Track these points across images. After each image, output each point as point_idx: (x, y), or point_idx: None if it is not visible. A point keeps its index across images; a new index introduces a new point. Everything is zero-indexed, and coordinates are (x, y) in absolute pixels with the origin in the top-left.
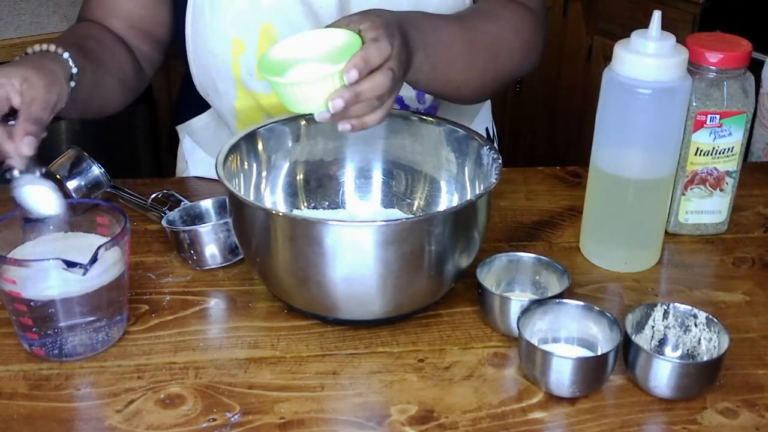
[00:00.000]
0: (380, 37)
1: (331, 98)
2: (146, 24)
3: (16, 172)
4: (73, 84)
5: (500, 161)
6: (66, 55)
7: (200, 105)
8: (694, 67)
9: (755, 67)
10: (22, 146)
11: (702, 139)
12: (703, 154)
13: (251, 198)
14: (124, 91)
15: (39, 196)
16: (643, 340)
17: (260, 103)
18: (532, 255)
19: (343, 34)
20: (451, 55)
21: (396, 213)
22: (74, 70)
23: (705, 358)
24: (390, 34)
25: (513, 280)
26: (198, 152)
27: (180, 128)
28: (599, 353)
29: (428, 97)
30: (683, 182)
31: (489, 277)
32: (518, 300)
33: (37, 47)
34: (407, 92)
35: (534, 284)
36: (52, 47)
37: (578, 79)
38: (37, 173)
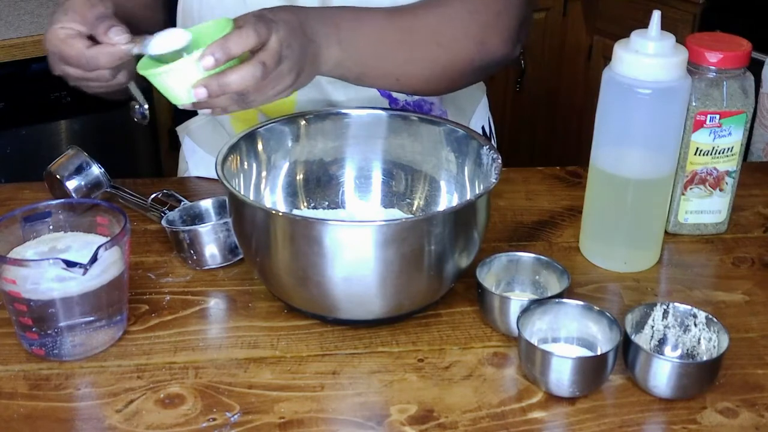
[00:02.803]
0: (247, 26)
1: (195, 86)
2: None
3: (135, 49)
4: None
5: (500, 161)
6: None
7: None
8: (693, 67)
9: (755, 67)
10: (112, 36)
11: (702, 138)
12: (703, 154)
13: (251, 198)
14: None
15: (169, 36)
16: (643, 339)
17: None
18: (532, 255)
19: (216, 24)
20: (380, 48)
21: (396, 213)
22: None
23: (704, 358)
24: (264, 25)
25: (513, 280)
26: (198, 152)
27: (179, 129)
28: (599, 353)
29: None
30: (683, 182)
31: (489, 276)
32: (518, 300)
33: None
34: None
35: (534, 284)
36: None
37: (578, 79)
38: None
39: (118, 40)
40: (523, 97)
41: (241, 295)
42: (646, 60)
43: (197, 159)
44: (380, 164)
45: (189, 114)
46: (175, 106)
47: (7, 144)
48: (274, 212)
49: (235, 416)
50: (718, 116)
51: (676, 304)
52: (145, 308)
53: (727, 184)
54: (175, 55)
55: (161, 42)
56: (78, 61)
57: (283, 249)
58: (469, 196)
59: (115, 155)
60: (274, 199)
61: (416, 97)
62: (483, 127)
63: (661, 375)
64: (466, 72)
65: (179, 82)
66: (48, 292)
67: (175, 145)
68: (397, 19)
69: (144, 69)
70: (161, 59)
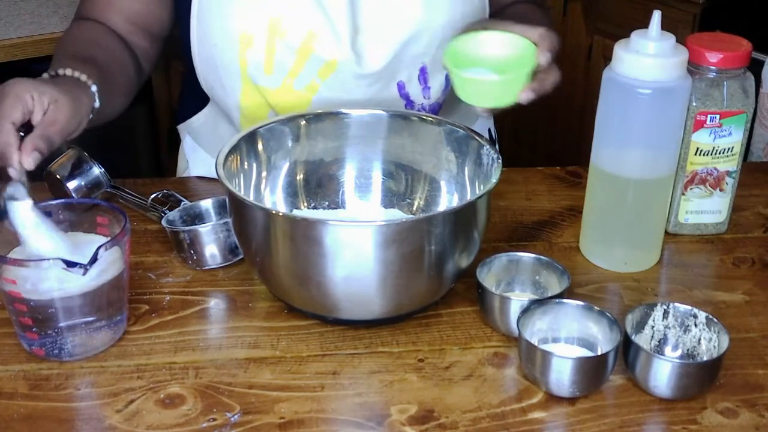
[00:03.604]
0: (548, 33)
1: (522, 91)
2: (146, 21)
3: (13, 176)
4: (91, 116)
5: (500, 161)
6: (94, 88)
7: (201, 104)
8: (694, 67)
9: (755, 67)
10: (28, 159)
11: (702, 139)
12: (703, 154)
13: (251, 198)
14: (127, 95)
15: (20, 211)
16: (643, 340)
17: (266, 99)
18: (532, 255)
19: (511, 38)
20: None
21: (396, 213)
22: (97, 105)
23: (705, 358)
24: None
25: (513, 280)
26: (198, 151)
27: (181, 128)
28: (599, 353)
29: (433, 93)
30: (683, 182)
31: (489, 277)
32: (518, 300)
33: (69, 71)
34: (413, 89)
35: (534, 284)
36: (83, 77)
37: (578, 79)
38: (26, 187)
39: (27, 165)
40: None
41: (241, 295)
42: (646, 60)
43: (197, 158)
44: (380, 164)
45: (191, 112)
46: (179, 104)
47: None
48: (274, 212)
49: (235, 416)
50: (718, 116)
51: (677, 304)
52: (145, 308)
53: (727, 184)
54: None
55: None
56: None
57: (283, 249)
58: (469, 197)
59: (115, 155)
60: (274, 199)
61: (432, 101)
62: (489, 130)
63: (662, 375)
64: None
65: (495, 91)
66: (48, 292)
67: (175, 144)
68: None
69: (455, 66)
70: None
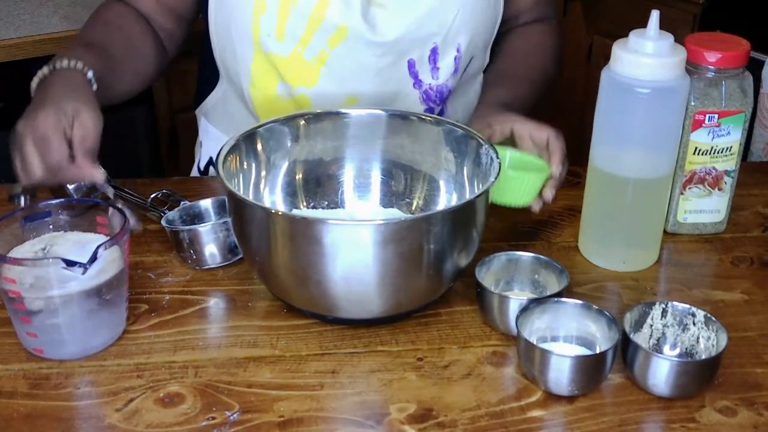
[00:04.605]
0: (555, 134)
1: (544, 192)
2: (173, 1)
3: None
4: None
5: (499, 161)
6: (90, 74)
7: (215, 86)
8: (692, 67)
9: (755, 67)
10: (95, 174)
11: (700, 138)
12: (702, 154)
13: (250, 197)
14: (143, 75)
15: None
16: (642, 338)
17: (276, 66)
18: (531, 254)
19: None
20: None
21: (395, 212)
22: (94, 88)
23: (703, 357)
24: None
25: (512, 280)
26: (211, 131)
27: (198, 112)
28: (598, 352)
29: (441, 74)
30: (682, 182)
31: (488, 276)
32: (517, 299)
33: (65, 63)
34: (423, 68)
35: (533, 283)
36: (80, 64)
37: (578, 79)
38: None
39: (98, 178)
40: None
41: (241, 295)
42: (644, 60)
43: (210, 137)
44: (379, 164)
45: (205, 94)
46: (195, 92)
47: (7, 144)
48: (273, 212)
49: (235, 415)
50: (716, 116)
51: (675, 303)
52: (145, 308)
53: (725, 183)
54: None
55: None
56: (54, 160)
57: (283, 248)
58: (468, 196)
59: (115, 155)
60: (273, 198)
61: (440, 82)
62: None
63: (660, 374)
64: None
65: (529, 188)
66: (48, 292)
67: (175, 144)
68: (529, 76)
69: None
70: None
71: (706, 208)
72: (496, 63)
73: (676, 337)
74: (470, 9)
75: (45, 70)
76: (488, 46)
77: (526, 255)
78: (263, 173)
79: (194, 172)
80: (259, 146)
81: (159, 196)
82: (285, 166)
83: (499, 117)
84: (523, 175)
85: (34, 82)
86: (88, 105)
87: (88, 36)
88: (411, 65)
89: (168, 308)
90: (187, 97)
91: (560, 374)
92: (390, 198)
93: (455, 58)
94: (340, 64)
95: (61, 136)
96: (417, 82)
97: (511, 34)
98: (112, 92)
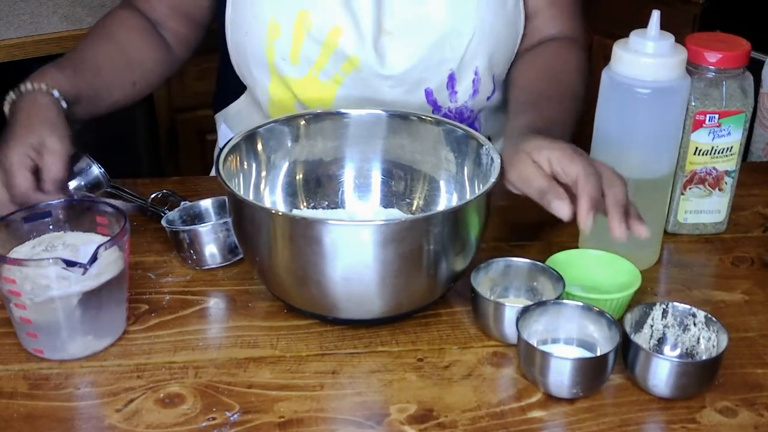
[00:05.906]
0: (585, 174)
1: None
2: (188, 6)
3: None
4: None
5: (499, 161)
6: (56, 93)
7: (237, 92)
8: (693, 67)
9: (755, 67)
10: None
11: (701, 138)
12: (702, 154)
13: (251, 198)
14: (141, 85)
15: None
16: (642, 339)
17: (292, 90)
18: (528, 260)
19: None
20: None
21: (395, 213)
22: (64, 105)
23: (704, 357)
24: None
25: (509, 285)
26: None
27: (218, 116)
28: (598, 353)
29: (459, 97)
30: (682, 182)
31: (484, 281)
32: (512, 306)
33: (29, 85)
34: (441, 95)
35: (530, 290)
36: (43, 86)
37: None
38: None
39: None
40: None
41: (241, 295)
42: (645, 60)
43: None
44: (380, 164)
45: (227, 101)
46: (215, 93)
47: None
48: (273, 212)
49: (235, 415)
50: (717, 116)
51: (676, 303)
52: (145, 308)
53: (726, 183)
54: None
55: None
56: (19, 192)
57: (283, 249)
58: (468, 196)
59: (115, 155)
60: (273, 199)
61: (459, 104)
62: None
63: (661, 374)
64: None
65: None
66: (48, 292)
67: (175, 144)
68: (563, 98)
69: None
70: None
71: (706, 209)
72: (516, 86)
73: (677, 338)
74: (488, 29)
75: (12, 95)
76: (510, 61)
77: (522, 261)
78: (263, 173)
79: (213, 173)
80: (260, 146)
81: (159, 196)
82: (285, 166)
83: (532, 144)
84: (603, 301)
85: (6, 107)
86: (52, 131)
87: (76, 51)
88: (428, 94)
89: (168, 308)
90: (188, 97)
91: (561, 377)
92: (390, 198)
93: (473, 81)
94: (356, 87)
95: (25, 170)
96: (436, 109)
97: (530, 53)
98: (100, 103)
